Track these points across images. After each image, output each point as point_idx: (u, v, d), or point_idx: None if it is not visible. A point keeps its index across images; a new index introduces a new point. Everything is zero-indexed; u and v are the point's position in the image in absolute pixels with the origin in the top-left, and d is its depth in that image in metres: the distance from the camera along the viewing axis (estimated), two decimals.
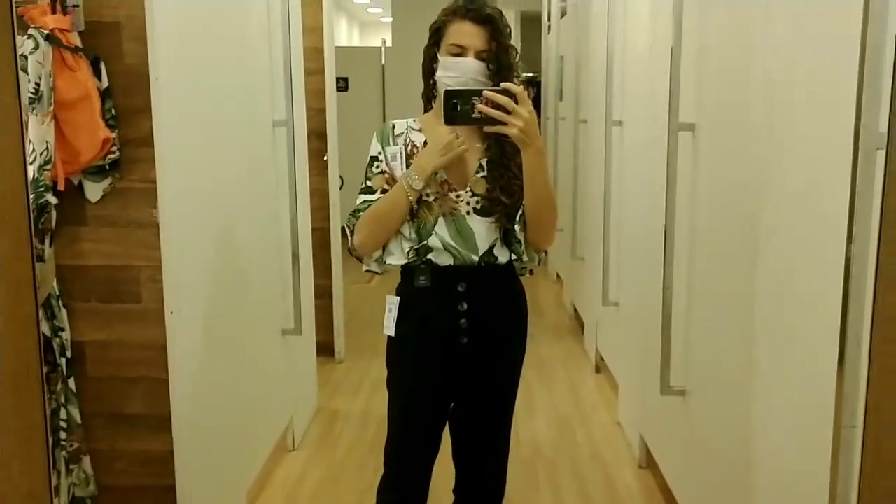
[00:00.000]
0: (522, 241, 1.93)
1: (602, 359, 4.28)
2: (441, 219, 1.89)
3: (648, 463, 3.16)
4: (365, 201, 1.94)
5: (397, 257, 1.92)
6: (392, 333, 1.97)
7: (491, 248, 1.90)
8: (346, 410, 3.81)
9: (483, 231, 1.89)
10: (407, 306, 1.96)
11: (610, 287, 3.74)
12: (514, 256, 1.93)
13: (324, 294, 4.25)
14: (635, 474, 3.14)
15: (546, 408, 3.86)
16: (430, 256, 1.89)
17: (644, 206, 3.15)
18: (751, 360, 1.96)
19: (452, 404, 2.00)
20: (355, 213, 1.95)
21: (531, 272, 2.04)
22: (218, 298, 2.44)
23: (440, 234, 1.88)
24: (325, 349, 4.26)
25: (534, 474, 3.14)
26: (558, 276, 6.44)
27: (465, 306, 1.91)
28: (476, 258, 1.89)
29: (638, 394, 3.23)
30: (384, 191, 1.92)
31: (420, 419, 2.00)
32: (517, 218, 1.90)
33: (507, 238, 1.93)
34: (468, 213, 1.90)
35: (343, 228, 2.08)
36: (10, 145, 1.05)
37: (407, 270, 1.94)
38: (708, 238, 2.31)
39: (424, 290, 1.91)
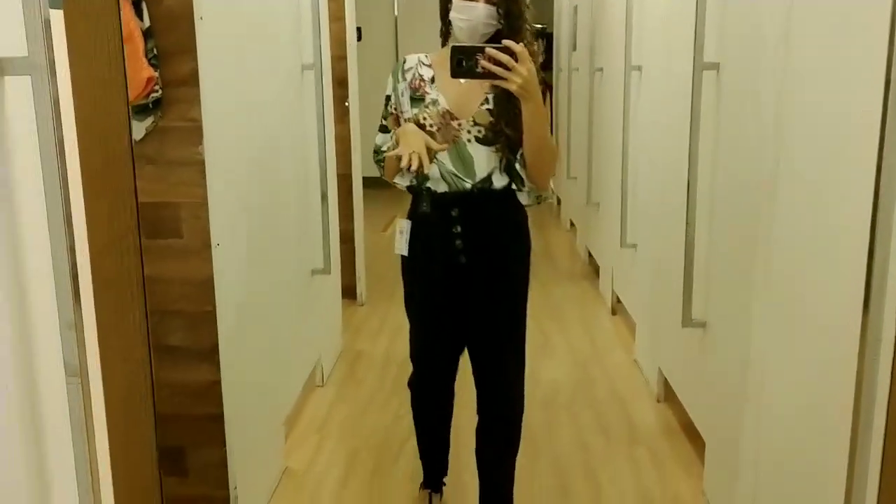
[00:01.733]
0: (524, 177, 2.09)
1: (618, 300, 4.37)
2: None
3: (667, 397, 3.27)
4: (382, 143, 2.20)
5: (402, 181, 2.16)
6: (405, 253, 2.19)
7: (489, 175, 2.07)
8: (368, 352, 3.92)
9: (483, 158, 2.06)
10: (414, 230, 2.18)
11: (627, 230, 3.81)
12: (514, 185, 2.09)
13: (346, 239, 4.34)
14: (654, 408, 3.25)
15: (563, 350, 3.96)
16: (428, 184, 2.09)
17: (662, 149, 3.21)
18: (770, 294, 2.05)
19: (466, 319, 2.20)
20: (377, 150, 2.23)
21: (538, 201, 2.15)
22: (256, 235, 2.52)
23: (440, 161, 2.06)
24: (347, 292, 4.36)
25: (555, 413, 3.25)
26: (572, 223, 6.51)
27: (459, 229, 2.09)
28: (469, 185, 2.06)
29: (656, 330, 3.32)
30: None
31: (432, 331, 2.26)
32: (518, 155, 2.05)
33: (510, 168, 2.08)
34: (469, 140, 2.06)
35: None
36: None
37: (414, 196, 2.17)
38: (729, 175, 2.38)
39: (425, 215, 2.12)
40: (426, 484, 2.54)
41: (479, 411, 2.27)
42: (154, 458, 1.14)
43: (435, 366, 2.32)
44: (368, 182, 4.70)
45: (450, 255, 2.12)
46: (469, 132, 2.06)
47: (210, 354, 2.33)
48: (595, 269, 5.17)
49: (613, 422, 3.15)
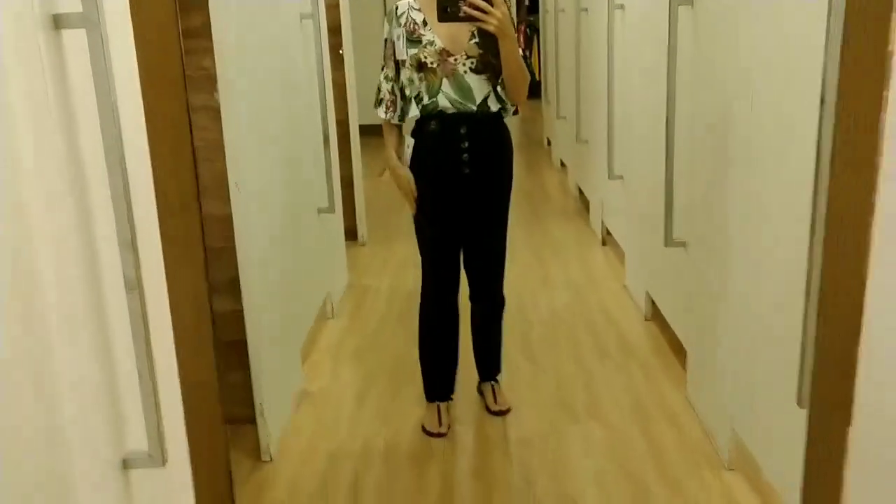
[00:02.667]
0: (505, 99, 2.53)
1: (609, 233, 4.59)
2: (445, 79, 2.45)
3: (654, 315, 3.50)
4: (381, 84, 2.56)
5: (414, 113, 2.52)
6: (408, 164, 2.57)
7: (485, 99, 2.49)
8: (374, 287, 4.14)
9: (477, 85, 2.47)
10: (422, 146, 2.53)
11: (615, 162, 4.00)
12: (500, 106, 2.52)
13: (346, 183, 4.52)
14: (642, 327, 3.49)
15: (560, 280, 4.19)
16: (439, 108, 2.47)
17: (644, 83, 3.39)
18: (741, 214, 2.26)
19: (463, 221, 2.60)
20: (379, 90, 2.56)
21: (515, 112, 2.60)
22: (269, 176, 2.71)
23: (446, 92, 2.46)
24: (349, 234, 4.56)
25: (553, 334, 3.48)
26: (562, 163, 6.70)
27: (467, 144, 2.50)
28: (474, 107, 2.47)
29: (642, 255, 3.54)
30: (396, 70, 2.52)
31: (440, 228, 2.61)
32: (499, 81, 2.48)
33: (496, 93, 2.50)
34: (465, 72, 2.45)
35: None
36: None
37: (420, 120, 2.52)
38: (705, 105, 2.57)
39: (435, 133, 2.50)
40: (433, 396, 2.78)
41: (472, 298, 2.78)
42: (212, 356, 1.35)
43: (443, 258, 2.63)
44: (364, 129, 4.88)
45: (457, 166, 2.52)
46: (464, 65, 2.45)
47: (231, 286, 2.53)
48: (586, 206, 5.37)
49: (607, 340, 3.38)
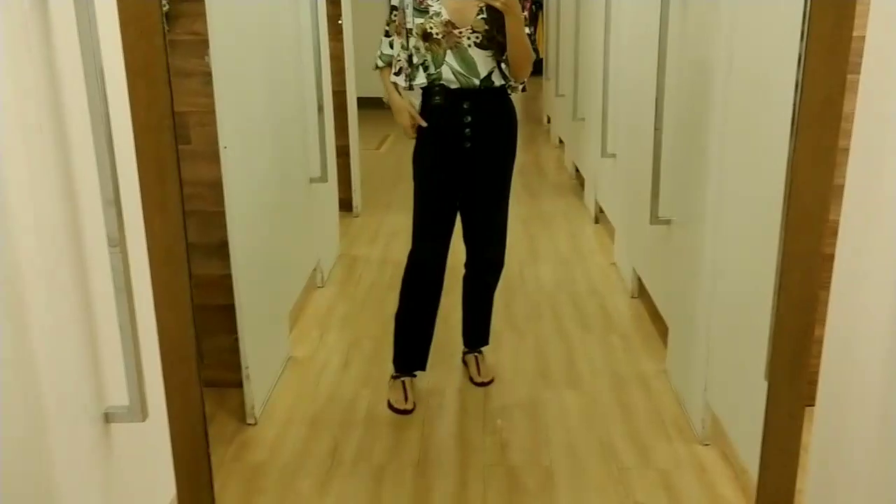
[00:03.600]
0: (509, 76, 2.55)
1: (601, 210, 4.62)
2: (449, 51, 2.49)
3: (640, 293, 3.54)
4: (383, 50, 2.62)
5: (420, 80, 2.55)
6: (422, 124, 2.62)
7: (489, 74, 2.51)
8: (365, 256, 4.18)
9: (482, 60, 2.50)
10: (426, 118, 2.59)
11: (608, 140, 4.03)
12: (504, 82, 2.54)
13: (341, 153, 4.55)
14: (627, 303, 3.53)
15: (549, 254, 4.23)
16: (441, 82, 2.51)
17: (637, 62, 3.41)
18: (720, 193, 2.29)
19: (462, 193, 2.65)
20: (381, 55, 2.64)
21: (524, 89, 2.64)
22: (260, 142, 2.74)
23: (450, 63, 2.49)
24: (343, 204, 4.59)
25: (537, 306, 3.52)
26: (560, 140, 6.71)
27: (469, 119, 2.54)
28: (477, 82, 2.50)
29: (630, 232, 3.58)
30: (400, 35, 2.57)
31: (435, 201, 2.63)
32: (504, 57, 2.50)
33: (500, 68, 2.52)
34: (469, 45, 2.48)
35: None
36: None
37: (426, 91, 2.56)
38: (690, 85, 2.59)
39: (439, 106, 2.54)
40: (400, 368, 2.77)
41: (469, 264, 2.81)
42: (190, 314, 1.38)
43: (435, 225, 2.64)
44: (362, 102, 4.89)
45: (459, 140, 2.56)
46: (469, 38, 2.48)
47: (220, 250, 2.57)
48: (581, 183, 5.40)
49: (590, 313, 3.43)
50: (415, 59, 2.54)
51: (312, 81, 3.32)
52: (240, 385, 2.64)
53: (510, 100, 2.64)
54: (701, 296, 2.45)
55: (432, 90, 2.54)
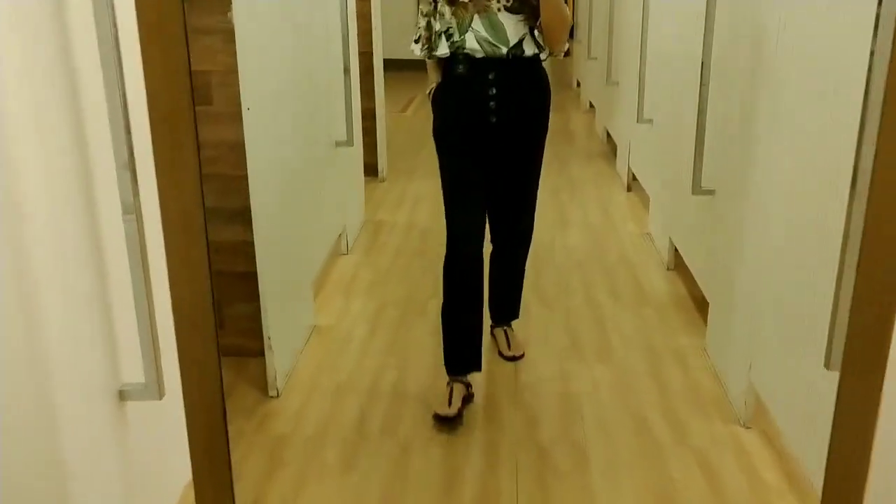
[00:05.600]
0: (542, 44, 2.35)
1: (634, 178, 4.47)
2: (476, 16, 2.28)
3: (676, 265, 3.42)
4: (419, 26, 2.41)
5: (442, 49, 2.34)
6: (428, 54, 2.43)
7: (520, 41, 2.30)
8: (390, 222, 4.08)
9: (512, 26, 2.28)
10: (448, 89, 2.39)
11: (645, 105, 3.87)
12: (538, 50, 2.33)
13: (367, 116, 4.43)
14: (663, 276, 3.41)
15: (578, 222, 4.10)
16: (466, 50, 2.30)
17: (681, 24, 3.24)
18: (772, 163, 2.16)
19: (489, 169, 2.44)
20: (417, 28, 2.41)
21: (567, 53, 2.40)
22: (284, 104, 2.63)
23: (476, 29, 2.28)
24: (368, 169, 4.48)
25: (568, 277, 3.41)
26: (591, 104, 6.54)
27: (494, 91, 2.33)
28: (505, 51, 2.29)
29: (668, 202, 3.44)
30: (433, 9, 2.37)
31: (461, 175, 2.42)
32: (537, 23, 2.30)
33: (533, 35, 2.32)
34: (499, 9, 2.27)
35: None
36: None
37: (448, 61, 2.35)
38: (738, 50, 2.44)
39: (461, 77, 2.34)
40: (454, 370, 2.47)
41: (498, 235, 2.65)
42: (209, 287, 1.29)
43: (465, 206, 2.42)
44: (388, 64, 4.76)
45: (484, 115, 2.35)
46: (498, 2, 2.28)
47: (242, 215, 2.47)
48: (613, 149, 5.25)
49: (623, 285, 3.31)
50: (437, 26, 2.34)
51: (339, 42, 3.20)
52: (261, 354, 2.56)
53: (543, 70, 2.42)
54: (745, 271, 2.33)
55: (456, 59, 2.33)
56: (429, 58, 2.39)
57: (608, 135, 5.51)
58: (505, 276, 2.75)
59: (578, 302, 3.17)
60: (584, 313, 3.07)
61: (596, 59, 5.89)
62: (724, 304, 2.58)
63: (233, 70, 2.36)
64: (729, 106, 2.54)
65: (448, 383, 2.45)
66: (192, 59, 2.45)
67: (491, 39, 2.29)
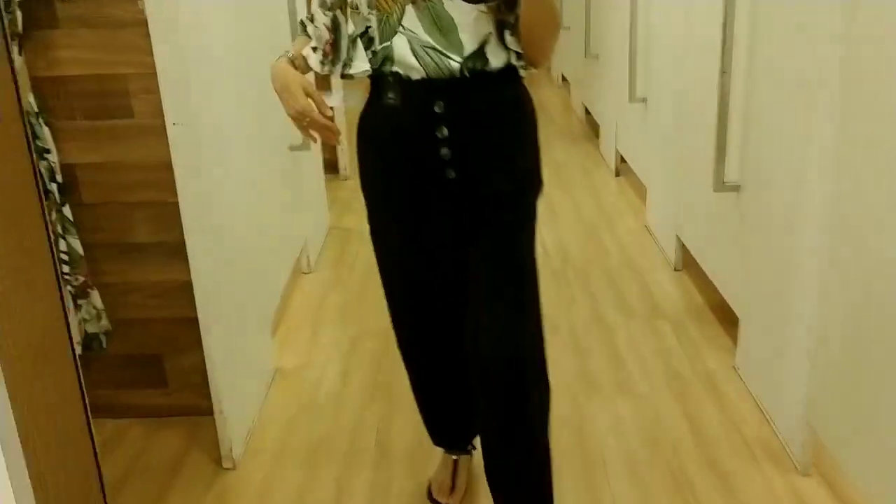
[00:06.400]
0: (515, 46, 1.44)
1: (623, 160, 4.06)
2: (409, 7, 1.39)
3: (685, 264, 3.01)
4: (316, 24, 1.51)
5: (360, 63, 1.46)
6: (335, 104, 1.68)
7: (481, 48, 1.40)
8: (358, 228, 3.62)
9: (470, 22, 1.39)
10: (373, 130, 1.53)
11: (637, 83, 3.44)
12: (511, 60, 1.44)
13: None
14: (671, 278, 3.00)
15: (569, 215, 3.68)
16: (395, 68, 1.42)
17: None
18: (808, 154, 1.75)
19: (452, 249, 1.57)
20: (312, 26, 1.52)
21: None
22: (224, 107, 2.17)
23: (410, 29, 1.40)
24: (329, 167, 4.04)
25: (567, 285, 2.99)
26: (564, 78, 6.10)
27: (446, 132, 1.44)
28: (457, 64, 1.40)
29: (673, 193, 3.03)
30: None
31: (405, 276, 1.66)
32: (512, 16, 1.41)
33: (503, 34, 1.42)
34: None
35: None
36: None
37: (375, 81, 1.48)
38: (774, 13, 2.02)
39: (392, 110, 1.46)
40: (447, 444, 1.93)
41: (476, 366, 1.57)
42: (84, 420, 0.85)
43: (422, 326, 1.71)
44: None
45: (433, 168, 1.47)
46: None
47: (182, 250, 2.01)
48: (594, 128, 4.83)
49: (631, 294, 2.90)
50: (350, 29, 1.47)
51: (287, 30, 2.72)
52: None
53: (524, 90, 1.52)
54: (799, 287, 1.91)
55: (381, 81, 1.45)
56: (343, 76, 1.51)
57: (587, 112, 5.08)
58: (507, 459, 1.61)
59: (585, 318, 2.75)
60: (592, 332, 2.65)
61: (569, 28, 5.44)
62: (761, 322, 2.17)
63: (154, 72, 1.89)
64: (764, 75, 2.12)
65: (444, 457, 1.95)
66: (105, 61, 1.98)
67: (435, 45, 1.40)
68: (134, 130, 2.03)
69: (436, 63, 1.40)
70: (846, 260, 1.70)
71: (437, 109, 1.43)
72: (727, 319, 2.56)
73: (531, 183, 1.56)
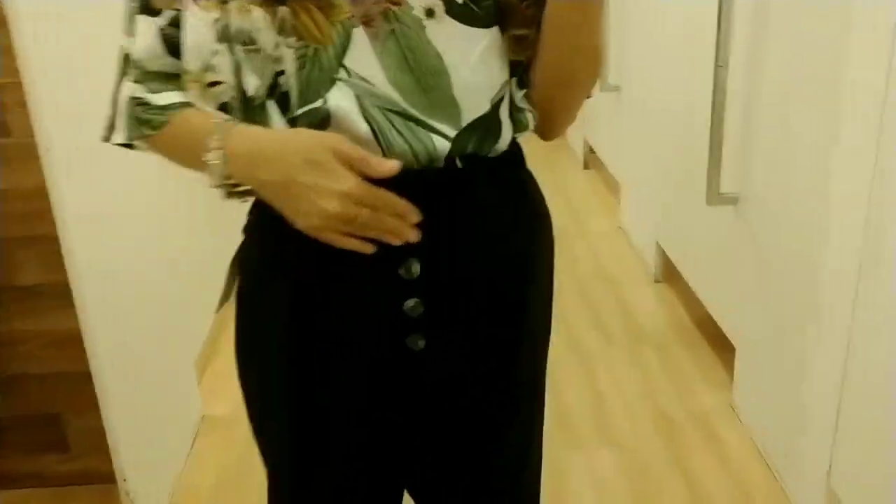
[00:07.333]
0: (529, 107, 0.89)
1: (592, 151, 3.74)
2: (358, 33, 0.78)
3: (665, 276, 2.71)
4: (142, 56, 0.85)
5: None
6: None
7: (495, 111, 0.84)
8: None
9: (474, 63, 0.81)
10: (282, 267, 0.88)
11: (609, 68, 3.11)
12: (523, 129, 0.89)
13: None
14: (652, 292, 2.70)
15: None
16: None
17: None
18: (832, 163, 1.45)
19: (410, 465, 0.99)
20: (124, 70, 0.88)
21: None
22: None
23: (358, 76, 0.78)
24: None
25: None
26: None
27: (418, 269, 0.83)
28: (446, 143, 0.81)
29: (654, 198, 2.72)
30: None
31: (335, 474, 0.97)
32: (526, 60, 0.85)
33: (523, 84, 0.87)
34: (430, 13, 0.78)
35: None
36: None
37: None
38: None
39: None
40: None
41: None
42: None
43: None
44: None
45: (392, 335, 0.86)
46: None
47: (64, 293, 1.65)
48: None
49: (608, 313, 2.58)
50: (252, 89, 0.80)
51: None
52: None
53: (533, 186, 0.99)
54: (820, 318, 1.60)
55: None
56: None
57: None
58: None
59: (558, 346, 2.41)
60: (567, 365, 2.33)
61: None
62: (767, 356, 1.87)
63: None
64: (767, 69, 1.80)
65: None
66: None
67: (406, 106, 0.80)
68: (10, 151, 1.65)
69: (406, 141, 0.80)
70: (881, 291, 1.40)
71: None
72: (719, 343, 2.26)
73: (544, 319, 1.01)
